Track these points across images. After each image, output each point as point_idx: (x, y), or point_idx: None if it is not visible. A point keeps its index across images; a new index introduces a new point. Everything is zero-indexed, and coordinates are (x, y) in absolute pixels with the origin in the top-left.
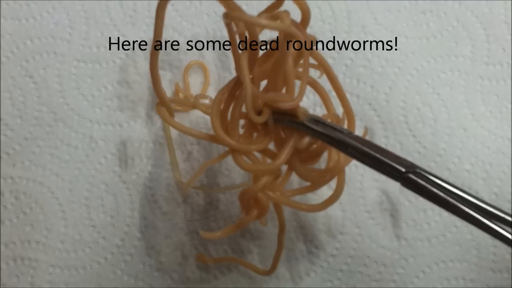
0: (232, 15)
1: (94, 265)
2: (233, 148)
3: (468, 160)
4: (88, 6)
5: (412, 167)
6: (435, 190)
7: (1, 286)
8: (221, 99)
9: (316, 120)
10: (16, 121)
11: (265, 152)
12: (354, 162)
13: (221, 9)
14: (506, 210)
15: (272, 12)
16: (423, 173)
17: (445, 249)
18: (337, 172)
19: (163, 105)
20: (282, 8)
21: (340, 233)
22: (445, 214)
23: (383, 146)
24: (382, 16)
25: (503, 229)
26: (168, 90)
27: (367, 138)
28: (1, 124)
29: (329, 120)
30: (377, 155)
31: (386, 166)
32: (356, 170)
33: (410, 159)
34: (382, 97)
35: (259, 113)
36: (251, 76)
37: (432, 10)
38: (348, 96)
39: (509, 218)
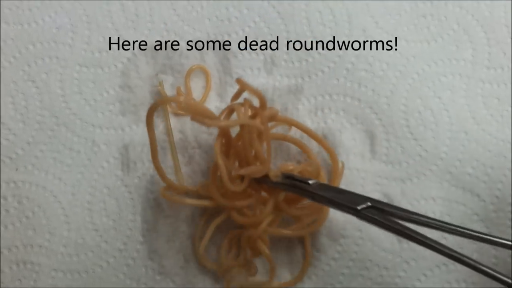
0: (196, 120)
1: (96, 269)
2: (229, 207)
3: (470, 163)
4: (90, 10)
5: (366, 202)
6: (387, 222)
7: None
8: (215, 177)
9: (288, 176)
10: (18, 125)
11: (258, 200)
12: (355, 165)
13: (222, 14)
14: (507, 214)
15: (235, 100)
16: (380, 206)
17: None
18: (317, 209)
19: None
20: None
21: (342, 236)
22: (446, 217)
23: (384, 150)
24: (383, 19)
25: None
26: (170, 94)
27: (369, 143)
28: (3, 129)
29: (300, 171)
30: (336, 200)
31: (344, 207)
32: (357, 174)
33: (411, 162)
34: (383, 101)
35: (242, 178)
36: (232, 151)
37: (432, 13)
38: (349, 100)
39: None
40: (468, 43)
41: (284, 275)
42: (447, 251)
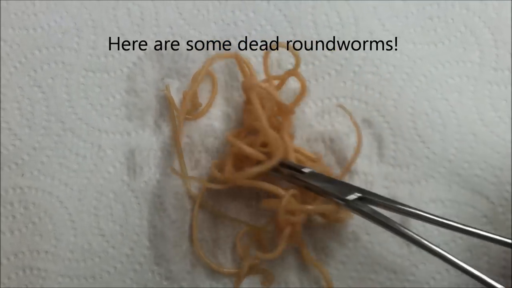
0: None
1: (103, 274)
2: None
3: (478, 165)
4: (96, 15)
5: (356, 193)
6: (373, 214)
7: None
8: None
9: (283, 164)
10: (24, 130)
11: None
12: (363, 169)
13: (229, 17)
14: None
15: None
16: (370, 197)
17: (456, 255)
18: None
19: None
20: None
21: (350, 240)
22: (455, 219)
23: (392, 152)
24: (390, 22)
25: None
26: (176, 98)
27: (377, 145)
28: (9, 134)
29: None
30: (327, 189)
31: (334, 196)
32: (365, 177)
33: (419, 164)
34: (391, 104)
35: None
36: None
37: (439, 16)
38: (356, 102)
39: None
40: (475, 45)
41: (293, 281)
42: (432, 247)
